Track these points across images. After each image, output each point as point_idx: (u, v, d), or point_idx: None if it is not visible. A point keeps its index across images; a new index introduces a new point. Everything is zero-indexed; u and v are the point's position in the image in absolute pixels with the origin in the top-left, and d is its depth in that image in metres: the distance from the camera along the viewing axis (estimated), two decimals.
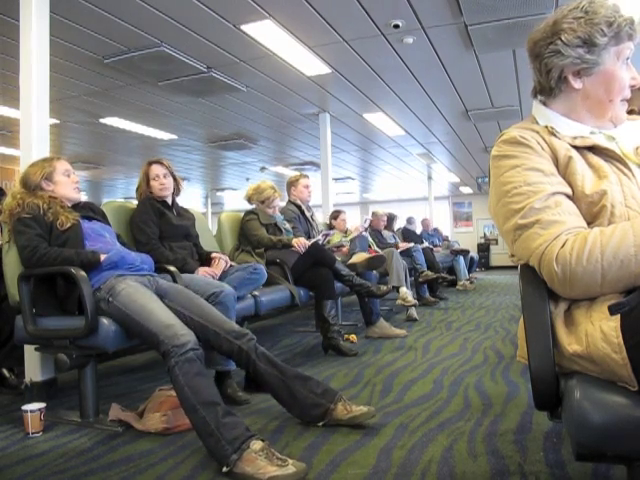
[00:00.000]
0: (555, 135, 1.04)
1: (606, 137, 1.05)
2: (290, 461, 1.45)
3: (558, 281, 0.90)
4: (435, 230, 9.33)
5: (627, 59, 1.04)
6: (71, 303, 1.93)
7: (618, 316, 0.82)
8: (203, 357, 1.69)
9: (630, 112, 1.18)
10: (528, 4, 3.40)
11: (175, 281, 2.23)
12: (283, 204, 4.00)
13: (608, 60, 1.02)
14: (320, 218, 5.21)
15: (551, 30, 1.04)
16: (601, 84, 1.03)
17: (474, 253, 9.86)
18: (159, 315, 1.76)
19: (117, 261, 1.99)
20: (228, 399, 2.10)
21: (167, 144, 7.53)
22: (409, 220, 8.07)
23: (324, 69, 4.66)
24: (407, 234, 7.29)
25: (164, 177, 2.63)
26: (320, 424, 1.82)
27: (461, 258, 7.88)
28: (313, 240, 3.50)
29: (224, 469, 1.45)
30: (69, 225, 2.00)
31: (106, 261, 1.96)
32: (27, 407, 1.85)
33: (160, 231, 2.59)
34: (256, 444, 1.47)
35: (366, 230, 4.69)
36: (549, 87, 1.08)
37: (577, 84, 1.04)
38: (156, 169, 2.65)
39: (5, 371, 2.47)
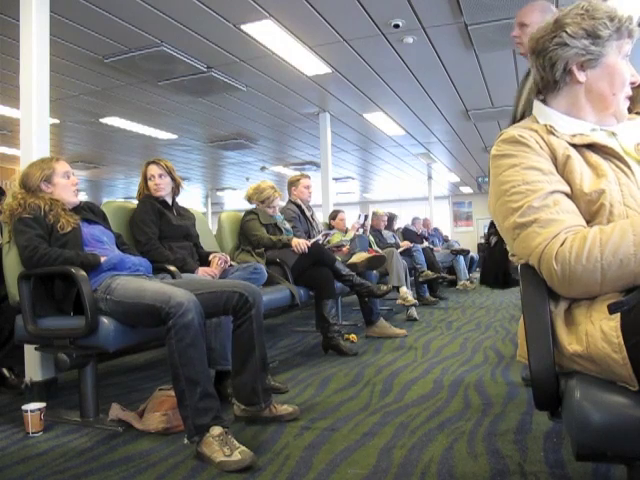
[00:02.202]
0: (554, 133, 1.04)
1: (607, 134, 1.05)
2: (238, 449, 1.54)
3: (558, 280, 0.90)
4: (435, 230, 9.32)
5: (626, 56, 1.05)
6: (67, 304, 1.92)
7: (618, 316, 0.81)
8: (203, 321, 1.73)
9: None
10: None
11: None
12: (283, 204, 4.00)
13: (611, 53, 1.04)
14: (320, 218, 5.21)
15: (554, 26, 1.05)
16: (604, 77, 1.05)
17: (474, 253, 9.85)
18: (153, 288, 1.81)
19: (116, 263, 1.99)
20: (227, 400, 2.10)
21: (167, 144, 7.53)
22: (413, 221, 8.06)
23: (324, 69, 4.66)
24: (407, 234, 7.29)
25: (159, 177, 2.63)
26: (242, 406, 1.91)
27: (461, 258, 7.86)
28: (313, 240, 3.50)
29: (185, 441, 1.64)
30: (69, 229, 2.00)
31: (106, 263, 1.96)
32: (27, 407, 1.85)
33: (160, 231, 2.59)
34: (215, 429, 1.59)
35: (363, 226, 4.66)
36: (553, 81, 1.08)
37: (581, 77, 1.05)
38: (152, 169, 2.65)
39: (5, 371, 2.47)
